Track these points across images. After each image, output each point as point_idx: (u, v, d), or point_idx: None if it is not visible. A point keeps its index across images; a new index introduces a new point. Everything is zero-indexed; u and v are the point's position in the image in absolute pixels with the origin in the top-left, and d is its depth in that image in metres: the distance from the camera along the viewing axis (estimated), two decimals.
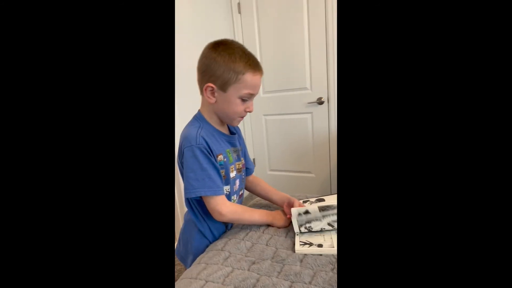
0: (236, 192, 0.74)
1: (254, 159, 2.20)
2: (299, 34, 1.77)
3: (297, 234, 0.63)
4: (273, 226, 0.69)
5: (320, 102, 1.81)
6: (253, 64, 0.61)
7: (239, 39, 1.98)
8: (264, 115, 2.06)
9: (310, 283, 0.48)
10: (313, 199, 0.82)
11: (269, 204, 0.85)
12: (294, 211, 0.65)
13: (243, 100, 0.63)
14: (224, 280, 0.52)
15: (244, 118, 2.28)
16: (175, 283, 0.56)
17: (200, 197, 0.64)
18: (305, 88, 1.85)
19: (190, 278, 0.55)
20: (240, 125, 2.07)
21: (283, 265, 0.54)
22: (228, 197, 0.70)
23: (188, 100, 1.50)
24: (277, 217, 0.70)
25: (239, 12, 1.95)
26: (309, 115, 1.88)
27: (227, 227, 0.74)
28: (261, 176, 2.15)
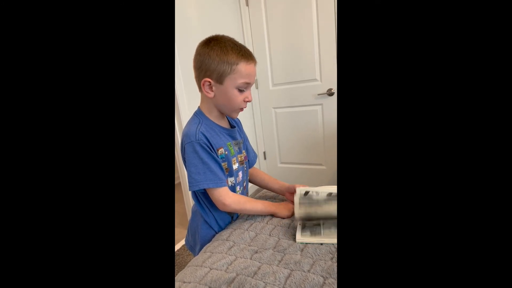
0: (240, 184, 0.76)
1: (264, 152, 2.22)
2: (308, 24, 1.75)
3: (299, 224, 0.65)
4: (276, 216, 0.71)
5: (330, 93, 1.78)
6: (245, 54, 0.63)
7: (247, 31, 1.98)
8: (274, 108, 2.06)
9: (308, 271, 0.49)
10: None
11: (275, 195, 0.86)
12: (298, 190, 0.65)
13: (240, 90, 0.65)
14: (227, 268, 0.54)
15: (254, 111, 2.29)
16: (182, 271, 0.59)
17: (205, 189, 0.66)
18: (315, 80, 1.83)
19: (196, 266, 0.57)
20: (249, 119, 2.10)
21: (284, 254, 0.56)
22: (233, 188, 0.73)
23: (198, 93, 1.53)
24: (280, 207, 0.71)
25: (247, 5, 1.94)
26: (319, 106, 1.86)
27: (232, 218, 0.76)
28: (272, 169, 2.18)
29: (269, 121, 2.12)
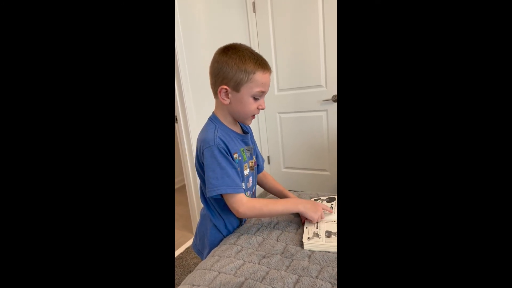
0: (250, 189, 0.77)
1: (268, 157, 2.23)
2: (314, 31, 1.77)
3: (306, 227, 0.66)
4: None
5: (335, 99, 1.79)
6: (262, 64, 0.65)
7: (253, 37, 2.00)
8: (279, 113, 2.08)
9: (316, 277, 0.50)
10: (324, 197, 0.83)
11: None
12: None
13: (255, 98, 0.67)
14: (235, 272, 0.55)
15: (259, 116, 2.31)
16: (191, 274, 0.60)
17: (221, 195, 0.67)
18: (320, 86, 1.84)
19: (204, 269, 0.59)
20: (254, 123, 2.11)
21: (292, 260, 0.57)
22: None
23: (205, 98, 1.55)
24: (308, 206, 0.67)
25: (254, 11, 1.97)
26: (324, 112, 1.88)
27: (241, 222, 0.77)
28: (276, 174, 2.19)
29: (273, 126, 2.13)
